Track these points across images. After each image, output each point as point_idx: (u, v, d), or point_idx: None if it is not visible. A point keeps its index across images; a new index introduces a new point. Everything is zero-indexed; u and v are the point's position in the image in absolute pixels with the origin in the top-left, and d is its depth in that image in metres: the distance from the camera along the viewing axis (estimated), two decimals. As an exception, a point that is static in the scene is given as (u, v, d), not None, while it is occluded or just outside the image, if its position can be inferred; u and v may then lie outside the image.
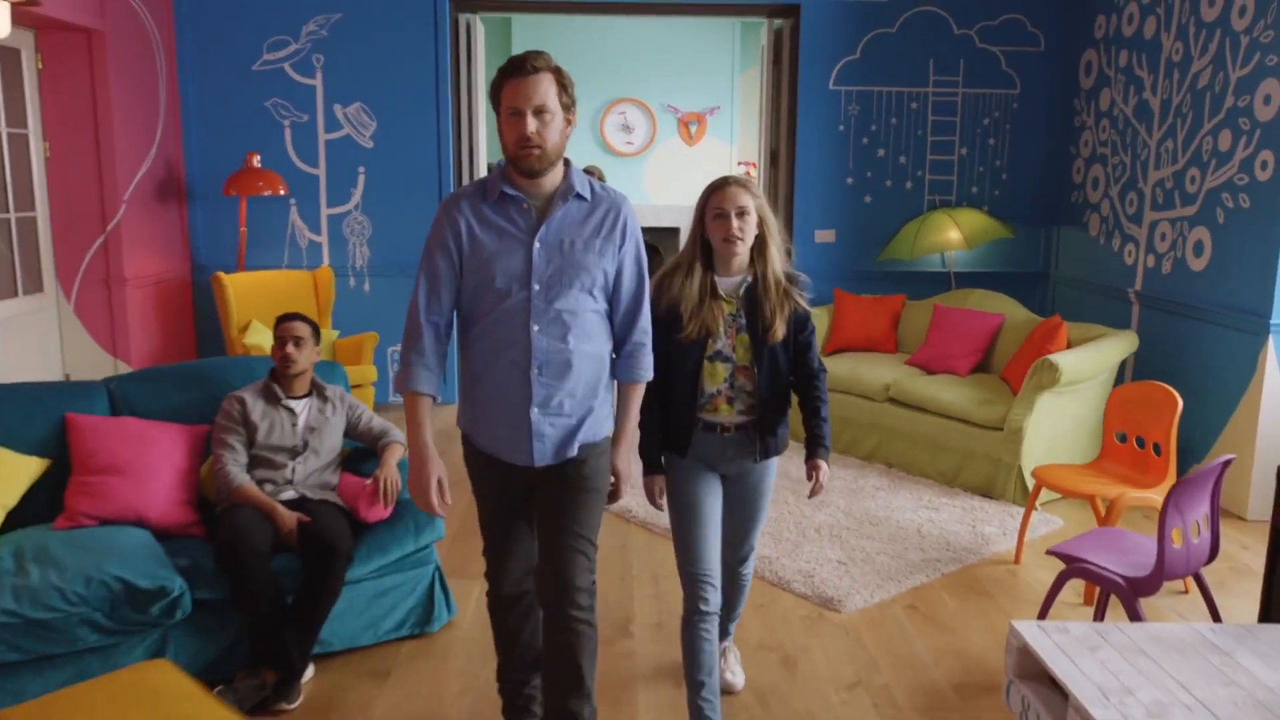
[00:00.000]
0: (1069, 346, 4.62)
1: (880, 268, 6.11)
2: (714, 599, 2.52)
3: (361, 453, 3.44)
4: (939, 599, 3.58)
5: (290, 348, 3.12)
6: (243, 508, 2.94)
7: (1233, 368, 4.43)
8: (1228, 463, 2.89)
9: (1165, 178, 5.02)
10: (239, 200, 5.69)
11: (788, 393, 2.61)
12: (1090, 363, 4.43)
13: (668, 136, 9.43)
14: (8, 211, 4.77)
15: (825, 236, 6.12)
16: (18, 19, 4.57)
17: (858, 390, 5.13)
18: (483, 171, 6.40)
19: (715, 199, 2.48)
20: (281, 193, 5.56)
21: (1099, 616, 3.14)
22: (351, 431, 3.32)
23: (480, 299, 2.23)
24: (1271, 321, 4.21)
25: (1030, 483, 4.14)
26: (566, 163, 2.26)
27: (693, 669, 2.51)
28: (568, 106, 2.19)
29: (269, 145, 5.83)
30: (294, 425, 3.16)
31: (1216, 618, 3.06)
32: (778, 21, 6.10)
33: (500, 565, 2.41)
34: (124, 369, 5.26)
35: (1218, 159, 4.60)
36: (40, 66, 4.96)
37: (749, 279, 2.53)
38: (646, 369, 2.39)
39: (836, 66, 5.96)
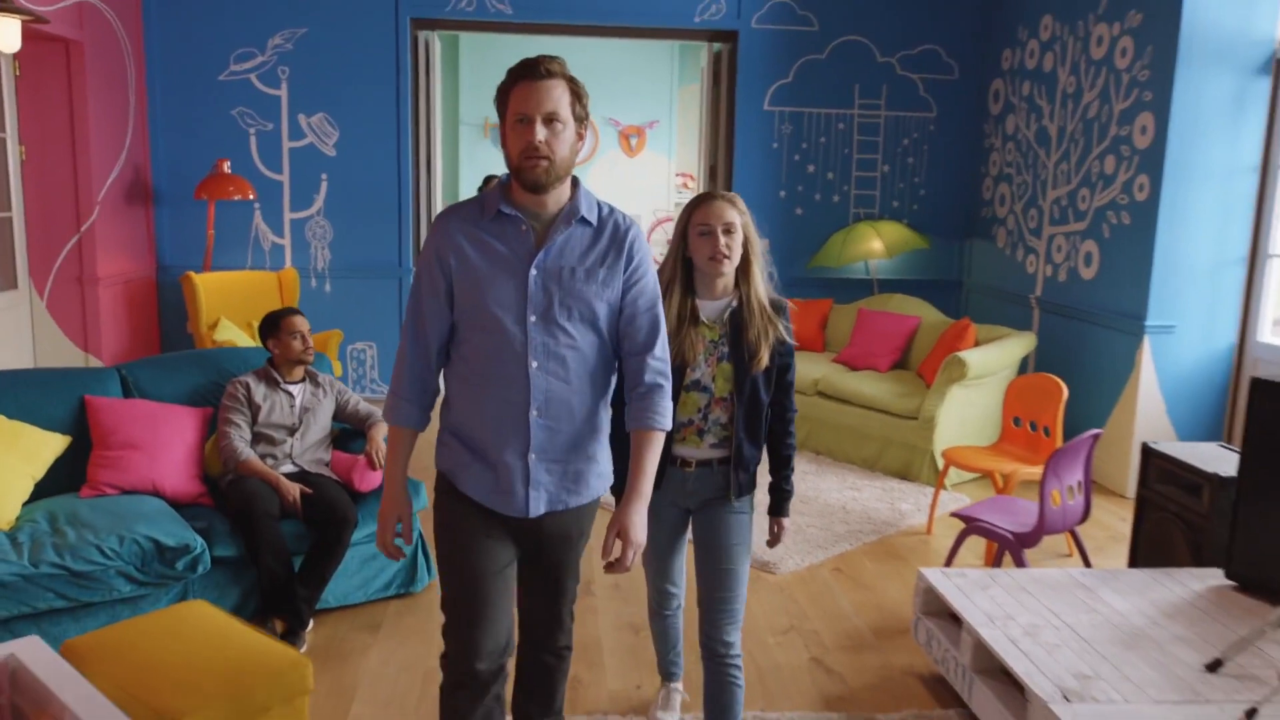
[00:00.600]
0: (976, 345, 5.23)
1: (810, 274, 6.68)
2: (675, 603, 2.67)
3: (348, 433, 3.84)
4: (860, 563, 4.12)
5: (303, 339, 3.54)
6: (249, 478, 3.32)
7: (1115, 364, 5.08)
8: (1097, 436, 3.48)
9: (1061, 196, 5.68)
10: (206, 204, 6.00)
11: (763, 428, 2.44)
12: (994, 359, 5.04)
13: (609, 148, 9.93)
14: (-14, 211, 5.03)
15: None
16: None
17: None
18: (440, 181, 6.81)
19: (700, 214, 2.33)
20: (250, 197, 5.89)
21: (993, 567, 3.71)
22: (340, 414, 3.73)
23: (472, 329, 2.02)
24: (1146, 324, 4.86)
25: (941, 464, 4.71)
26: (575, 182, 2.05)
27: (661, 646, 2.77)
28: (580, 119, 1.99)
29: (234, 152, 6.15)
30: (291, 406, 3.56)
31: (1088, 566, 3.64)
32: (717, 45, 6.64)
33: (474, 635, 2.08)
34: (95, 364, 5.53)
35: (1104, 181, 5.26)
36: (18, 74, 5.22)
37: (734, 303, 2.36)
38: (664, 415, 2.08)
39: (770, 89, 6.52)
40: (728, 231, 2.30)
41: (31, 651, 2.23)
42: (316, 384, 3.66)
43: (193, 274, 5.64)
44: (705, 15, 6.36)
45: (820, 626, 3.55)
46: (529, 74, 1.94)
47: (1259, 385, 3.05)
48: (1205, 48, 4.68)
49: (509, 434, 2.02)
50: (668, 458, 2.34)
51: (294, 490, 3.33)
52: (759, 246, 2.37)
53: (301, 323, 3.61)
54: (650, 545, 2.49)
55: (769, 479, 2.55)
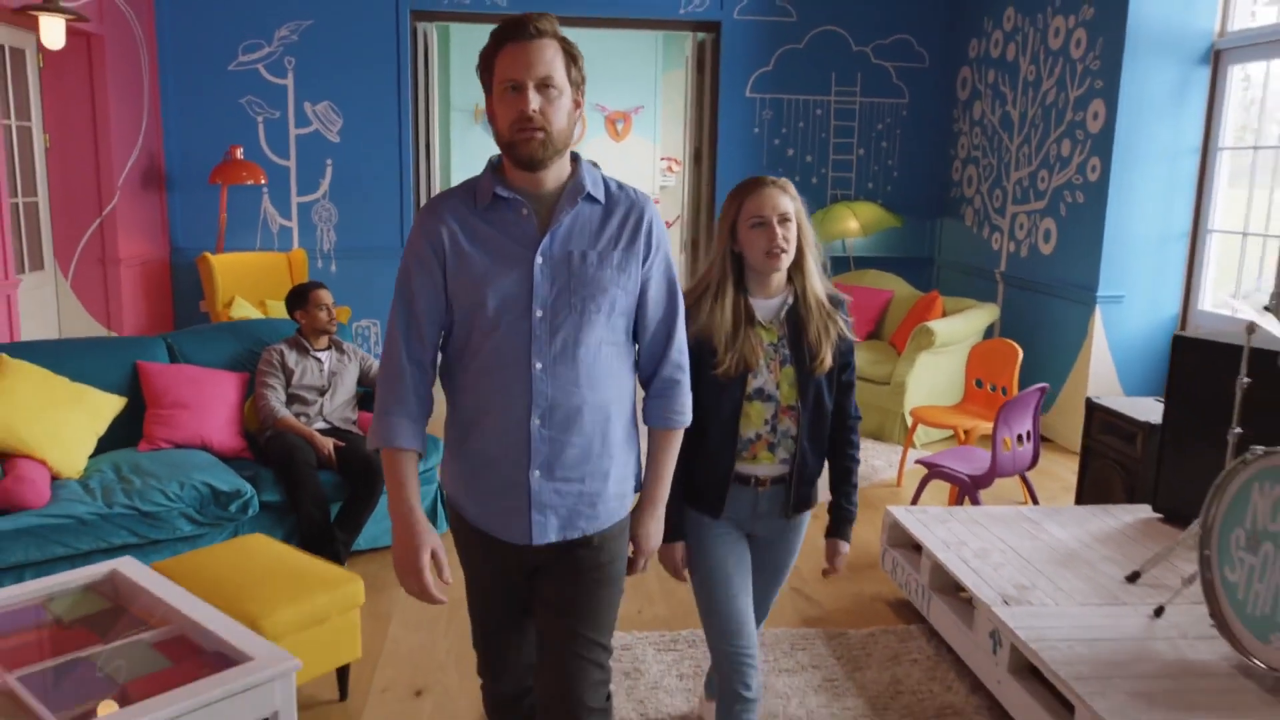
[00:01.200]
0: (944, 316, 5.68)
1: (790, 252, 7.09)
2: (756, 682, 2.19)
3: (370, 395, 4.25)
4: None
5: (328, 310, 3.93)
6: (287, 434, 3.73)
7: (1071, 331, 5.54)
8: (1043, 389, 3.94)
9: (1023, 177, 6.13)
10: (217, 189, 6.35)
11: (827, 436, 2.22)
12: (959, 329, 5.49)
13: (596, 134, 10.32)
14: (15, 196, 5.37)
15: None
16: (25, 24, 5.18)
17: (772, 355, 6.13)
18: (439, 165, 7.18)
19: (752, 204, 2.10)
20: (262, 182, 6.26)
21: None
22: (364, 378, 4.13)
23: (469, 330, 1.79)
24: (1098, 294, 5.32)
25: (910, 423, 5.16)
26: (575, 157, 1.82)
27: None
28: (577, 84, 1.76)
29: (243, 139, 6.50)
30: (320, 370, 3.96)
31: (1035, 504, 4.11)
32: (700, 35, 7.04)
33: (498, 662, 2.00)
34: (118, 340, 5.89)
35: (1060, 163, 5.71)
36: (41, 65, 5.56)
37: (789, 300, 2.13)
38: (683, 412, 1.93)
39: (752, 76, 6.92)
40: (783, 222, 2.07)
41: (129, 567, 2.65)
42: (341, 351, 4.06)
43: (209, 255, 6.01)
44: (690, 7, 6.75)
45: (800, 564, 3.99)
46: (517, 34, 1.68)
47: (1179, 341, 3.52)
48: (1150, 39, 5.12)
49: (510, 446, 1.78)
50: (731, 477, 2.13)
51: (328, 444, 3.74)
52: (811, 235, 2.14)
53: (326, 296, 4.01)
54: (716, 588, 2.19)
55: (827, 495, 2.30)
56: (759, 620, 2.33)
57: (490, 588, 1.93)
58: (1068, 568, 3.15)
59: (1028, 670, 2.71)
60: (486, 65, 1.74)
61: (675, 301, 1.90)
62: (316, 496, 3.59)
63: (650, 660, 3.14)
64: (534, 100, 1.68)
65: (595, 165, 1.91)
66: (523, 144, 1.70)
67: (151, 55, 6.29)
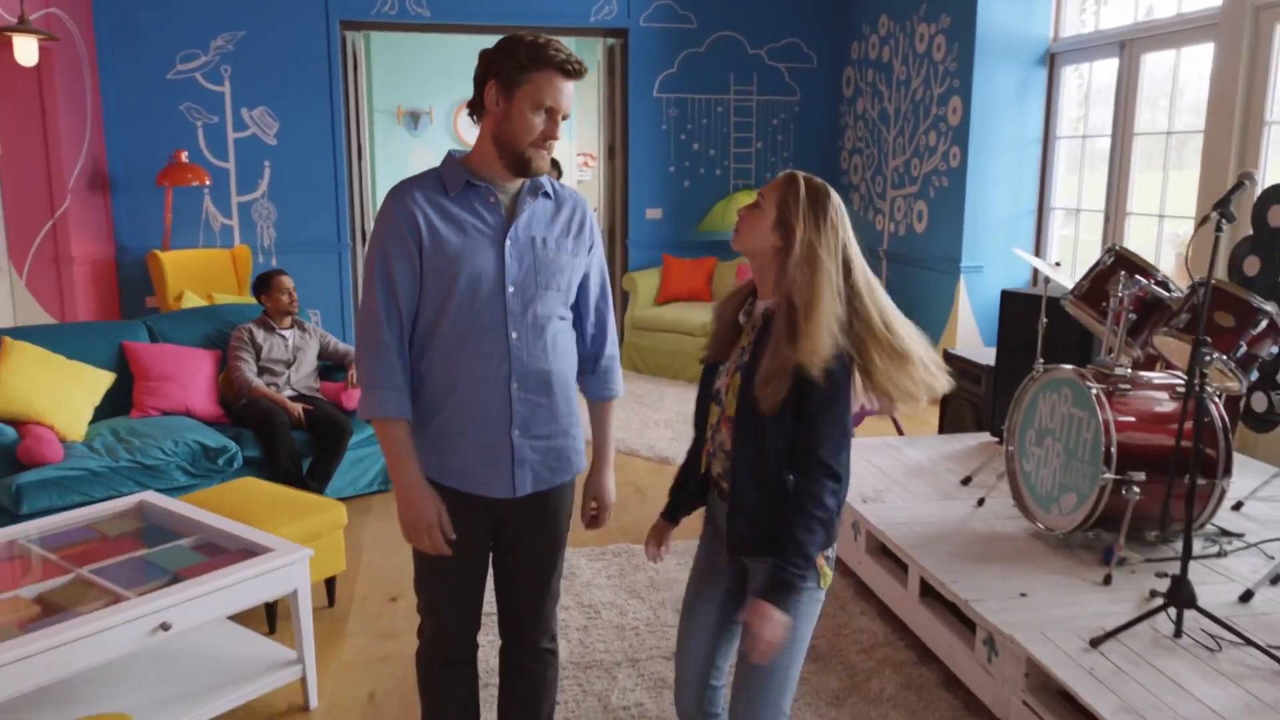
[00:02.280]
0: (832, 289, 6.51)
1: (697, 237, 7.88)
2: (696, 698, 2.09)
3: (329, 369, 4.86)
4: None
5: (289, 294, 4.54)
6: (260, 400, 4.33)
7: (941, 298, 6.43)
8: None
9: (899, 165, 7.01)
10: (160, 190, 6.83)
11: (777, 475, 1.86)
12: (845, 299, 6.32)
13: (515, 131, 10.95)
14: (-27, 201, 5.81)
15: (654, 214, 7.84)
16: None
17: (683, 329, 6.89)
18: (368, 167, 7.75)
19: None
20: (207, 183, 6.77)
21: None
22: (324, 352, 4.75)
23: (443, 307, 1.96)
24: (961, 265, 6.20)
25: (804, 382, 5.94)
26: None
27: None
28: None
29: (184, 143, 6.99)
30: (286, 346, 4.57)
31: (900, 435, 4.94)
32: (610, 41, 7.75)
33: (450, 618, 2.16)
34: (73, 334, 6.34)
35: (929, 152, 6.59)
36: (-10, 76, 5.99)
37: (767, 309, 1.92)
38: (619, 384, 2.22)
39: (658, 78, 7.67)
40: (753, 204, 1.96)
41: (153, 497, 3.27)
42: (304, 329, 4.67)
43: (158, 252, 6.50)
44: (599, 15, 7.46)
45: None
46: (566, 71, 1.91)
47: (1004, 295, 4.37)
48: (996, 44, 6.02)
49: (492, 411, 1.98)
50: (708, 475, 2.03)
51: (297, 409, 4.36)
52: (803, 240, 1.87)
53: (287, 281, 4.62)
54: (684, 600, 2.15)
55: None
56: (742, 713, 1.97)
57: (460, 545, 2.04)
58: (917, 478, 3.96)
59: (880, 550, 3.51)
60: (518, 74, 1.89)
61: (608, 288, 2.20)
62: (291, 452, 4.21)
63: (584, 567, 3.86)
64: (560, 127, 1.95)
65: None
66: (537, 158, 1.94)
67: (92, 65, 6.74)
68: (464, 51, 10.51)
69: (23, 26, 4.67)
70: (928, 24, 6.53)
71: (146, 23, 6.86)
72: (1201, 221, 2.61)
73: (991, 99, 6.08)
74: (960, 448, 4.36)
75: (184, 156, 6.73)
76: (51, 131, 6.18)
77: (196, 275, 6.66)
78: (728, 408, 1.93)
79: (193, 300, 6.44)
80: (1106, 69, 5.67)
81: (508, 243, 1.98)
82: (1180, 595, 2.62)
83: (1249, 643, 2.55)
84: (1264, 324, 3.00)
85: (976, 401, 4.78)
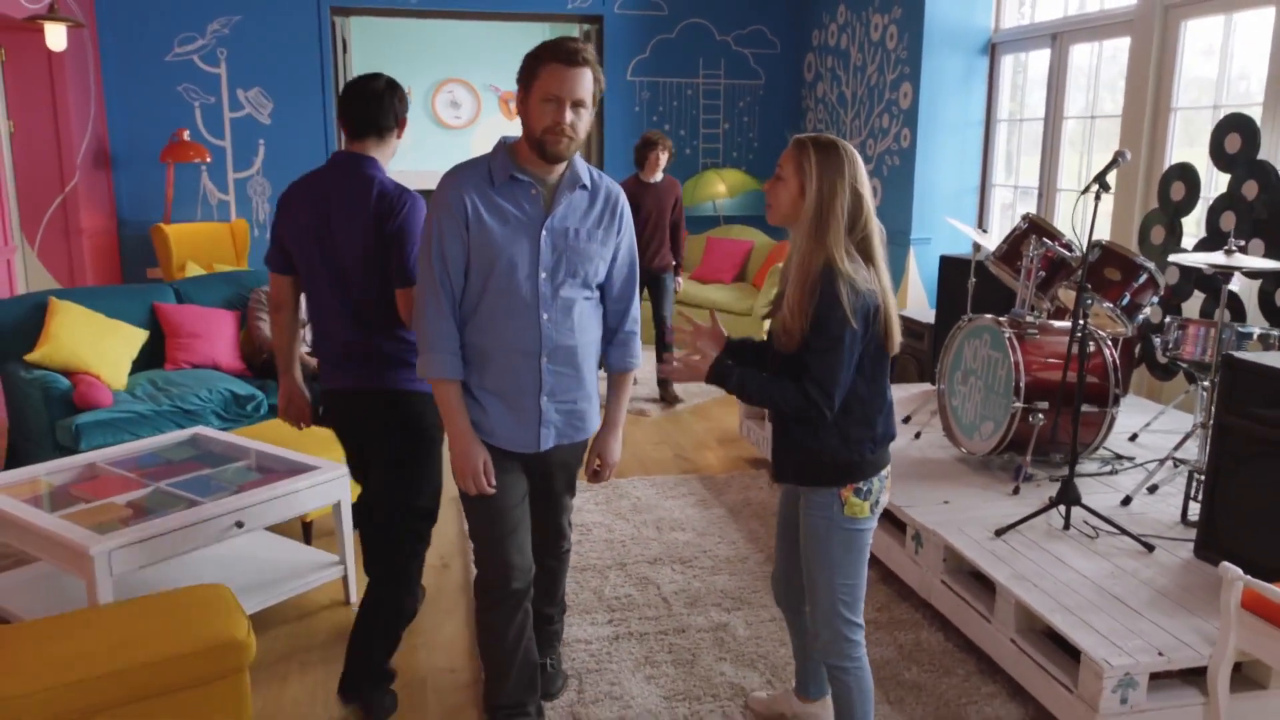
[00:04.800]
0: (794, 260, 7.15)
1: (669, 213, 8.45)
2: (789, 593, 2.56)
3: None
4: (709, 409, 5.97)
5: None
6: (281, 356, 4.85)
7: (893, 268, 7.06)
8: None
9: (856, 145, 7.61)
10: (161, 167, 7.29)
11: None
12: (805, 268, 6.96)
13: (491, 113, 11.46)
14: (-10, 176, 6.25)
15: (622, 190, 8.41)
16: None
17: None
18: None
19: None
20: (207, 160, 7.23)
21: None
22: (333, 314, 5.29)
23: (484, 287, 2.25)
24: (911, 237, 6.84)
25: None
26: None
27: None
28: (596, 99, 2.22)
29: (182, 122, 7.44)
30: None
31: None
32: (585, 26, 8.28)
33: (510, 559, 2.43)
34: (83, 302, 6.80)
35: (882, 133, 7.21)
36: (4, 60, 6.42)
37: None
38: (638, 355, 2.51)
39: (631, 62, 8.22)
40: (778, 176, 2.17)
41: (205, 430, 3.81)
42: (314, 293, 5.21)
43: (163, 225, 6.97)
44: (576, 3, 7.99)
45: (683, 440, 5.37)
46: (566, 59, 2.13)
47: (943, 259, 5.00)
48: (942, 34, 6.63)
49: (525, 380, 2.30)
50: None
51: (312, 361, 4.88)
52: (816, 200, 2.09)
53: (298, 249, 5.14)
54: (779, 519, 2.56)
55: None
56: (809, 614, 2.40)
57: (504, 484, 2.39)
58: (865, 418, 4.58)
59: (831, 476, 4.12)
60: (530, 71, 2.17)
61: (634, 268, 2.45)
62: (311, 399, 4.74)
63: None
64: (569, 115, 2.15)
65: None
66: (552, 144, 2.17)
67: (95, 47, 7.16)
68: (440, 35, 10.99)
69: (53, 15, 5.12)
70: (881, 14, 7.13)
71: (146, 6, 7.29)
72: (1083, 191, 3.23)
73: (939, 84, 6.70)
74: (904, 395, 4.99)
75: (185, 135, 7.18)
76: (61, 111, 6.62)
77: (198, 247, 7.14)
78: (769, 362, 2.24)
79: (195, 270, 6.92)
80: (1041, 58, 6.30)
81: (544, 233, 2.24)
82: (1067, 495, 3.26)
83: (1121, 531, 3.20)
84: (1144, 277, 3.65)
85: (920, 356, 5.42)
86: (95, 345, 4.45)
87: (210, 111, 7.56)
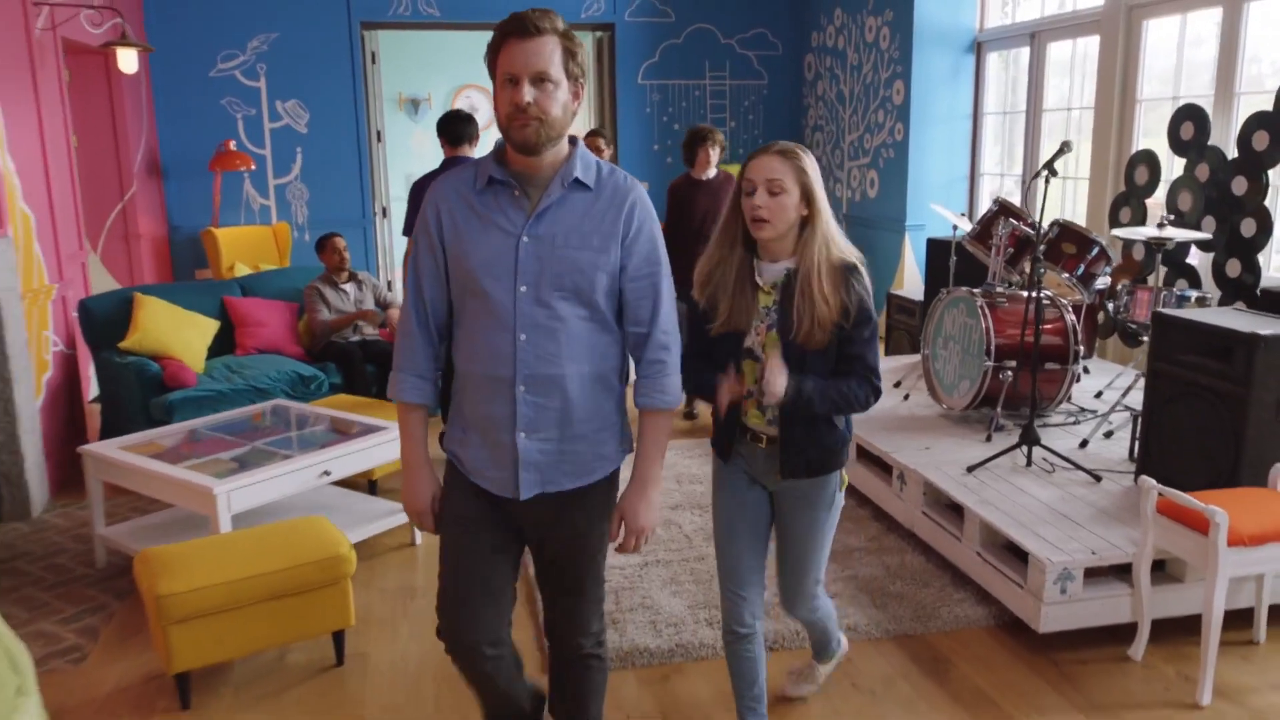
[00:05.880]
0: (798, 248, 7.72)
1: (681, 208, 9.04)
2: (749, 618, 2.41)
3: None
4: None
5: (340, 253, 5.66)
6: (337, 341, 5.46)
7: (891, 254, 7.64)
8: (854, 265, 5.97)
9: (854, 139, 8.20)
10: (209, 175, 7.92)
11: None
12: (808, 255, 7.53)
13: (507, 115, 12.07)
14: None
15: (642, 187, 8.99)
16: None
17: (670, 286, 8.09)
18: (384, 151, 8.85)
19: (748, 168, 2.21)
20: (251, 168, 7.86)
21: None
22: (379, 301, 5.90)
23: (463, 300, 2.02)
24: (906, 224, 7.41)
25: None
26: (572, 141, 2.01)
27: (737, 683, 2.48)
28: (575, 76, 1.93)
29: (226, 133, 8.07)
30: (348, 297, 5.71)
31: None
32: (599, 34, 8.89)
33: (465, 610, 2.13)
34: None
35: (878, 128, 7.78)
36: (69, 79, 7.06)
37: (791, 267, 2.22)
38: (668, 392, 2.09)
39: (642, 66, 8.81)
40: (772, 191, 2.15)
41: (283, 401, 4.43)
42: (359, 281, 5.82)
43: (213, 229, 7.60)
44: (589, 12, 8.59)
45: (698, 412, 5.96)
46: (518, 31, 1.86)
47: (929, 242, 5.58)
48: (931, 35, 7.20)
49: (498, 409, 1.99)
50: (740, 427, 2.33)
51: (375, 315, 5.50)
52: (824, 203, 2.20)
53: (339, 242, 5.74)
54: (718, 527, 2.43)
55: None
56: (791, 587, 2.51)
57: (475, 519, 2.09)
58: (860, 385, 5.16)
59: (829, 433, 4.71)
60: (491, 56, 1.91)
61: (657, 282, 2.04)
62: (365, 379, 5.36)
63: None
64: (528, 94, 1.84)
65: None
66: (517, 131, 1.88)
67: (145, 65, 7.80)
68: (459, 43, 11.60)
69: (124, 41, 5.75)
70: (874, 17, 7.70)
71: (191, 27, 7.93)
72: (1034, 176, 3.81)
73: (928, 82, 7.27)
74: (897, 364, 5.57)
75: (231, 145, 7.82)
76: (119, 125, 7.26)
77: (244, 249, 7.77)
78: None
79: (243, 270, 7.55)
80: (1023, 55, 6.86)
81: (524, 238, 1.95)
82: (1028, 437, 3.84)
83: (1075, 466, 3.78)
84: (1096, 250, 4.23)
85: (912, 330, 6.00)
86: (177, 334, 5.07)
87: (251, 122, 8.19)
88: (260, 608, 2.92)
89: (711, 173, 5.64)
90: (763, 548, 2.47)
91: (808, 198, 2.19)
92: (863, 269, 2.25)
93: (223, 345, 5.42)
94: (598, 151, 5.91)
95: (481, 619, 2.13)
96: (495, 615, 2.15)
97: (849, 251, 2.25)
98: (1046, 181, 3.76)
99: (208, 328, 5.32)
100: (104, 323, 5.05)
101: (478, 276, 1.98)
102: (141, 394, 4.74)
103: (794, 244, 2.22)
